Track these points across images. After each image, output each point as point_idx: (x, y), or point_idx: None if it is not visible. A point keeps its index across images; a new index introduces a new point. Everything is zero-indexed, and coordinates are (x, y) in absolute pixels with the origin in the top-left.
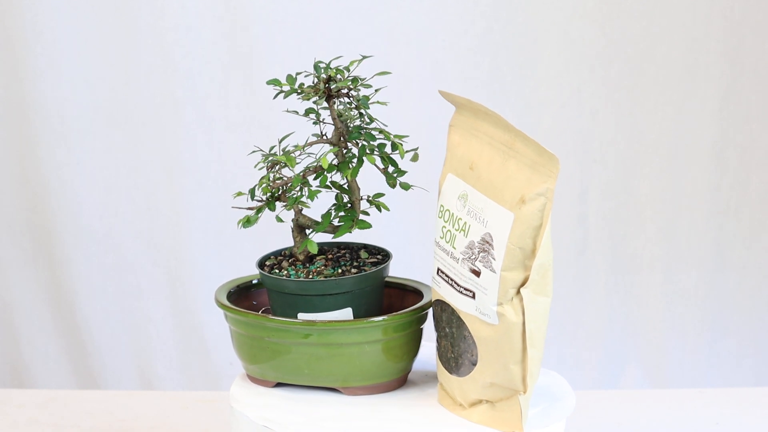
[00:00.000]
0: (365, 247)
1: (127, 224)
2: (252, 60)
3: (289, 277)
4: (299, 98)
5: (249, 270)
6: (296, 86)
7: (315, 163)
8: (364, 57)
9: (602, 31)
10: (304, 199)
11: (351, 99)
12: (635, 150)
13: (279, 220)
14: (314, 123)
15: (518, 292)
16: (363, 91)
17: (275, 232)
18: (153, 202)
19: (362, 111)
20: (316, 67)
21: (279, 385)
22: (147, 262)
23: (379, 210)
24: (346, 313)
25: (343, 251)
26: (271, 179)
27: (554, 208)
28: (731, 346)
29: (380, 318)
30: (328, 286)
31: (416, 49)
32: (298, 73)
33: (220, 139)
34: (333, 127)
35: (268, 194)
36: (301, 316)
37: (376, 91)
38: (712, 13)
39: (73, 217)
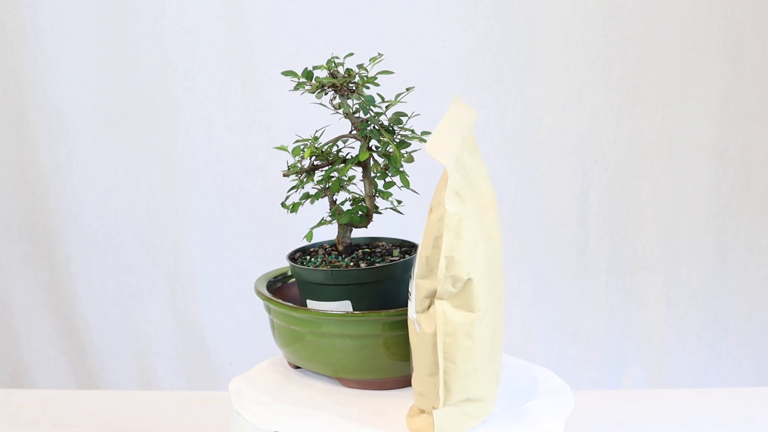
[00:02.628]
0: (402, 245)
1: (126, 224)
2: (252, 60)
3: (306, 265)
4: (316, 93)
5: (249, 269)
6: (312, 80)
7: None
8: (381, 55)
9: (602, 31)
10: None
11: (359, 95)
12: (636, 150)
13: (307, 196)
14: (345, 116)
15: (432, 302)
16: (369, 90)
17: (275, 232)
18: (152, 202)
19: (369, 108)
20: (330, 62)
21: (298, 368)
22: (146, 263)
23: (390, 201)
24: (346, 305)
25: (382, 246)
26: (317, 147)
27: (554, 208)
28: (731, 346)
29: (373, 313)
30: (325, 277)
31: (416, 49)
32: (315, 67)
33: (220, 139)
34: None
35: (312, 158)
36: (309, 303)
37: (407, 116)
38: (713, 13)
39: (73, 217)
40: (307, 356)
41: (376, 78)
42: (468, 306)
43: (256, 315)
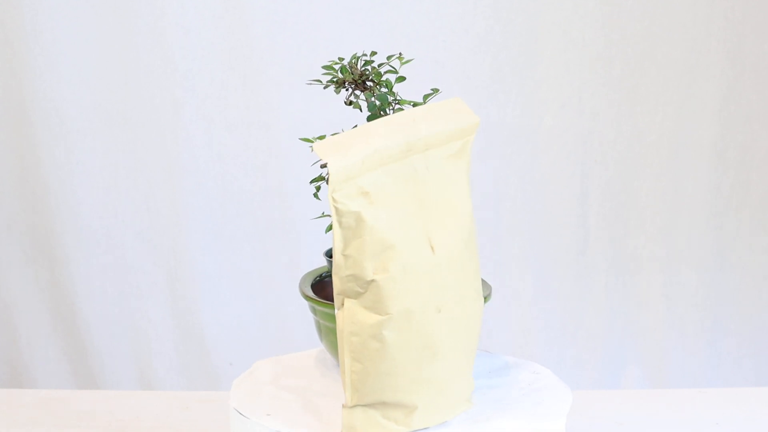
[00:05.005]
0: None
1: (126, 224)
2: (252, 60)
3: None
4: (335, 89)
5: (249, 269)
6: (335, 75)
7: None
8: (401, 54)
9: (602, 31)
10: None
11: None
12: (635, 150)
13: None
14: (369, 109)
15: (344, 300)
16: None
17: (275, 232)
18: (153, 202)
19: (376, 105)
20: (355, 58)
21: None
22: (147, 262)
23: None
24: None
25: None
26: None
27: (554, 208)
28: (731, 346)
29: None
30: None
31: (416, 50)
32: (338, 60)
33: (220, 139)
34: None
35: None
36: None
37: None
38: (713, 13)
39: (73, 217)
40: (330, 349)
41: (391, 73)
42: (376, 308)
43: (256, 315)
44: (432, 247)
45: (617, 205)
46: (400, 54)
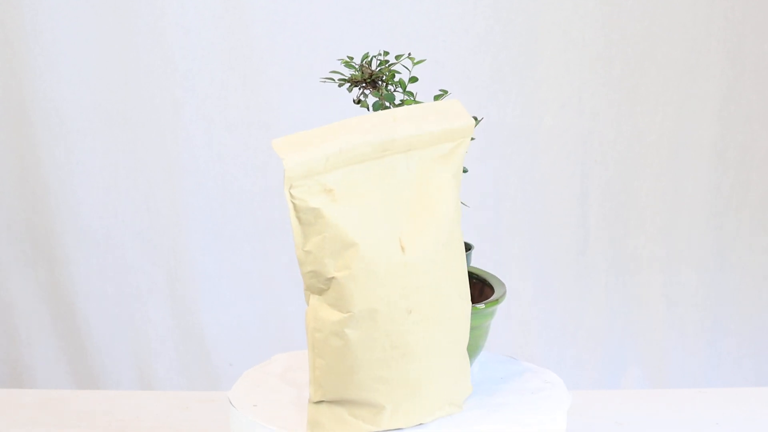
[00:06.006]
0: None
1: (126, 224)
2: (252, 60)
3: None
4: (348, 87)
5: (249, 269)
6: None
7: None
8: (410, 54)
9: (602, 31)
10: None
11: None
12: (635, 150)
13: None
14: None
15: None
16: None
17: (275, 232)
18: (153, 202)
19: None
20: (365, 58)
21: None
22: (147, 263)
23: None
24: None
25: None
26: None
27: (554, 208)
28: (731, 346)
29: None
30: None
31: (416, 49)
32: (349, 58)
33: (220, 139)
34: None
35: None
36: None
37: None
38: (713, 13)
39: (73, 217)
40: None
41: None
42: (338, 305)
43: (257, 315)
44: (402, 248)
45: (617, 205)
46: (410, 54)
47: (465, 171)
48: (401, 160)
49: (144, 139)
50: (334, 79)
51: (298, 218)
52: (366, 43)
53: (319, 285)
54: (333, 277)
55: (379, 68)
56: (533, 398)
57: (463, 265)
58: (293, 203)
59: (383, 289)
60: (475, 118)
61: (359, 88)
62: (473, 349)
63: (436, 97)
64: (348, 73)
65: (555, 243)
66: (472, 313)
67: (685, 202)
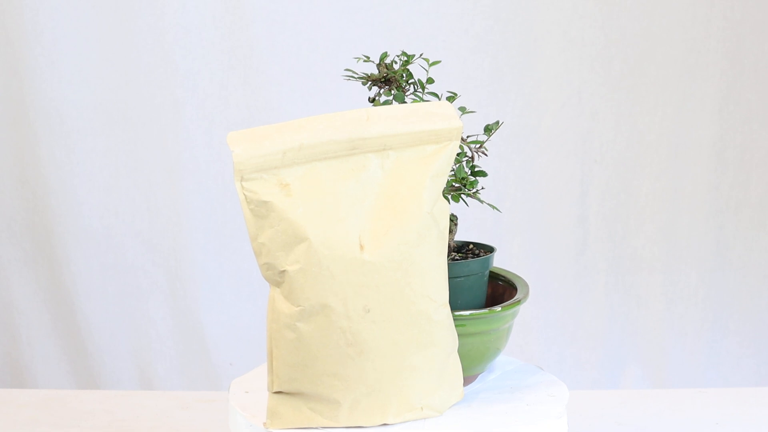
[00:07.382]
0: (484, 247)
1: (127, 224)
2: (252, 60)
3: None
4: (369, 85)
5: (249, 269)
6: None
7: None
8: (422, 55)
9: (602, 31)
10: None
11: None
12: (635, 150)
13: None
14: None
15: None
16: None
17: None
18: (153, 202)
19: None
20: (384, 56)
21: None
22: (147, 262)
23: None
24: None
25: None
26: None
27: (554, 208)
28: (731, 346)
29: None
30: None
31: (416, 49)
32: (366, 57)
33: (220, 139)
34: None
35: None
36: None
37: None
38: (712, 13)
39: (73, 217)
40: None
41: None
42: (291, 299)
43: (257, 315)
44: (362, 246)
45: (617, 205)
46: (422, 54)
47: (484, 174)
48: (373, 159)
49: (144, 139)
50: (354, 74)
51: (251, 210)
52: (366, 43)
53: (275, 277)
54: (285, 270)
55: (401, 67)
56: (527, 409)
57: (439, 267)
58: (244, 195)
59: (337, 286)
60: (497, 123)
61: (378, 87)
62: (482, 354)
63: (449, 99)
64: (361, 71)
65: (554, 243)
66: (485, 317)
67: (685, 202)
